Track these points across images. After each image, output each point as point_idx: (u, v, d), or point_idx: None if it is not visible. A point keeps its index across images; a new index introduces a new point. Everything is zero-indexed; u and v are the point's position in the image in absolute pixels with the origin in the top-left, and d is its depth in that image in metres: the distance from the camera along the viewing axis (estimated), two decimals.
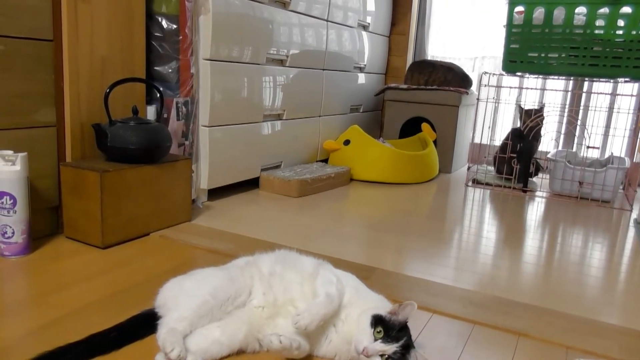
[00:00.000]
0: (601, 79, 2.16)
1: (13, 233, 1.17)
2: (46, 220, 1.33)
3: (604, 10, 2.00)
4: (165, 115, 1.55)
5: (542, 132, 2.28)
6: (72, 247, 1.27)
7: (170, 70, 1.56)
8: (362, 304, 0.86)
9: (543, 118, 2.23)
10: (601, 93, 2.30)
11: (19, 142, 1.21)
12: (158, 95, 1.45)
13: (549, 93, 2.60)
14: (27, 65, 1.20)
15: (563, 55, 2.10)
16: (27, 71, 1.21)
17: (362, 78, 2.66)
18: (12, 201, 1.15)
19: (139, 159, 1.33)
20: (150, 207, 1.37)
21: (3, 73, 1.16)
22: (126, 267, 1.16)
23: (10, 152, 1.16)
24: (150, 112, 1.54)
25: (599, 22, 2.01)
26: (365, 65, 2.66)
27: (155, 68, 1.56)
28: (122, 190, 1.28)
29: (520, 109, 2.29)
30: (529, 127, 2.20)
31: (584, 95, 2.59)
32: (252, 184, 2.01)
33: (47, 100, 1.26)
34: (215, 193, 1.86)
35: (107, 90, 1.31)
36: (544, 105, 2.27)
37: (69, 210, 1.30)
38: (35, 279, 1.08)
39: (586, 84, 2.57)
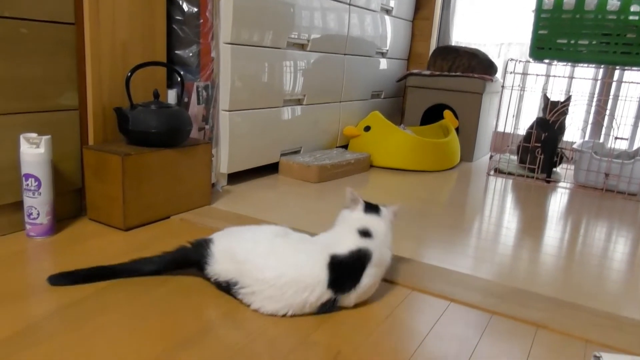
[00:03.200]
0: (633, 68, 2.09)
1: (38, 214, 1.19)
2: (70, 202, 1.36)
3: None
4: (185, 100, 1.56)
5: (567, 122, 2.23)
6: (95, 228, 1.29)
7: (190, 54, 1.56)
8: None
9: (568, 109, 2.18)
10: (633, 82, 2.23)
11: (42, 125, 1.23)
12: (179, 79, 1.45)
13: (578, 81, 2.53)
14: (49, 48, 1.22)
15: (594, 42, 2.03)
16: (50, 55, 1.22)
17: (384, 63, 2.63)
18: (37, 183, 1.18)
19: (160, 142, 1.34)
20: (171, 190, 1.39)
21: (26, 57, 1.17)
22: (147, 249, 1.18)
23: (34, 135, 1.18)
24: (171, 96, 1.55)
25: (634, 8, 1.94)
26: (387, 50, 2.63)
27: (176, 52, 1.56)
28: (144, 174, 1.30)
29: (545, 98, 2.24)
30: (554, 117, 2.15)
31: (614, 84, 2.52)
32: (271, 168, 2.02)
33: (70, 84, 1.28)
34: (235, 177, 1.87)
35: (129, 74, 1.32)
36: (570, 96, 2.21)
37: (92, 193, 1.32)
38: (60, 259, 1.10)
39: (617, 72, 2.49)
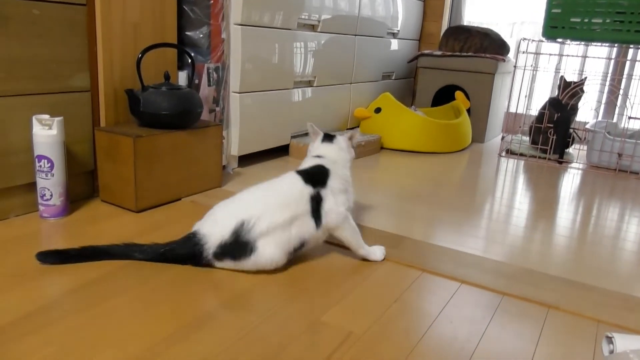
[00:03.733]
0: None
1: (51, 195, 1.20)
2: (82, 184, 1.37)
3: None
4: (196, 81, 1.56)
5: (580, 103, 2.19)
6: (108, 210, 1.30)
7: (201, 36, 1.55)
8: None
9: (583, 90, 2.14)
10: None
11: (54, 106, 1.24)
12: (189, 60, 1.45)
13: (591, 61, 2.49)
14: (61, 30, 1.21)
15: (608, 20, 1.99)
16: (61, 36, 1.22)
17: (395, 44, 2.60)
18: (49, 164, 1.18)
19: (171, 124, 1.35)
20: (182, 172, 1.39)
21: (38, 38, 1.17)
22: (159, 230, 1.19)
23: (46, 116, 1.18)
24: (182, 78, 1.55)
25: None
26: (398, 31, 2.59)
27: (187, 33, 1.55)
28: (155, 156, 1.30)
29: (561, 79, 2.20)
30: (568, 96, 2.12)
31: (628, 63, 2.47)
32: (282, 150, 2.01)
33: (81, 65, 1.28)
34: (246, 159, 1.87)
35: (139, 56, 1.32)
36: (585, 77, 2.18)
37: (104, 175, 1.33)
38: (73, 240, 1.12)
39: (631, 51, 2.44)
